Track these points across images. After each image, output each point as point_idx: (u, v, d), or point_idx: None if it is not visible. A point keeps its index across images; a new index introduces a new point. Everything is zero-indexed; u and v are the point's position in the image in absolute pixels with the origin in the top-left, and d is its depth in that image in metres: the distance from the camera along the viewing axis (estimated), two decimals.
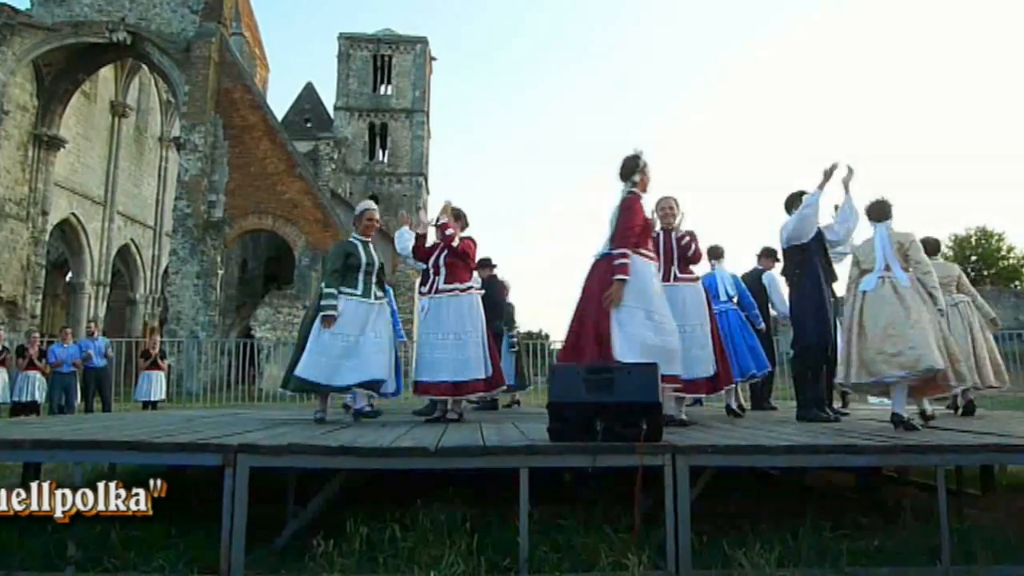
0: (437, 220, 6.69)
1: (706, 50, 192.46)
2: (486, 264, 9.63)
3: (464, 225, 6.86)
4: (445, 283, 6.46)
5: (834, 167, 6.22)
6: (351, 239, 6.44)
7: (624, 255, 5.15)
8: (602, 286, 5.15)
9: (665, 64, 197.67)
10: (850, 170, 6.32)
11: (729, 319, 7.76)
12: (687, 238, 6.13)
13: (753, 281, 8.46)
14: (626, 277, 5.07)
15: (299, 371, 5.96)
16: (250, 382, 19.50)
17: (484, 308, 6.71)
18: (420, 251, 6.81)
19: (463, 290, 6.46)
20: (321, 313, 5.99)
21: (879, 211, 5.99)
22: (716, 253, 8.20)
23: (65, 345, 14.01)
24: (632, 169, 5.48)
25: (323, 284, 6.24)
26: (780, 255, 6.88)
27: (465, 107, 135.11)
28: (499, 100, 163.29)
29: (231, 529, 3.94)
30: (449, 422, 6.23)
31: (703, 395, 6.48)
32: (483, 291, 6.84)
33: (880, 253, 5.74)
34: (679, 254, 6.09)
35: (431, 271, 6.59)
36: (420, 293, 6.72)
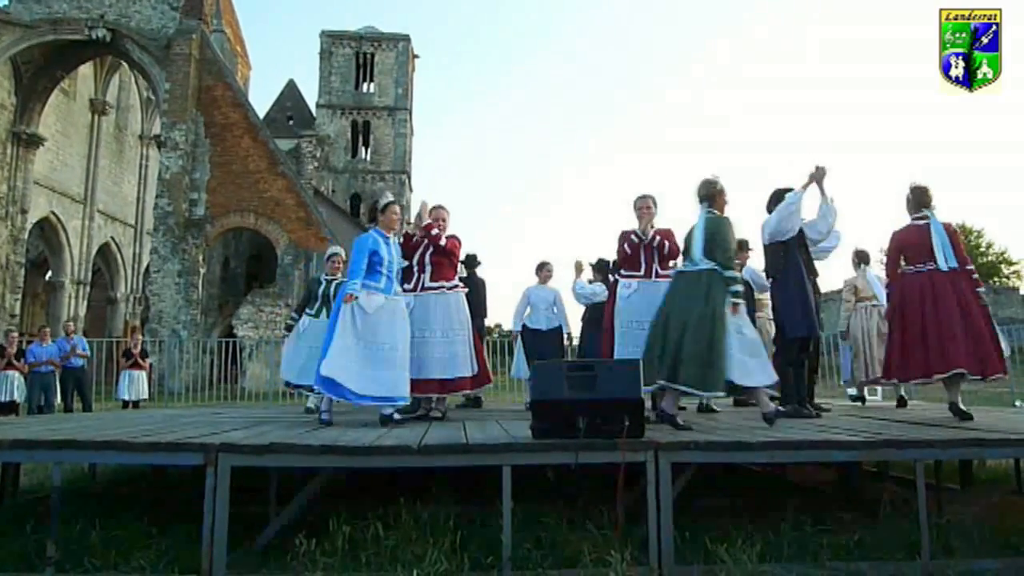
0: (417, 222, 6.64)
1: (690, 43, 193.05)
2: (472, 262, 9.63)
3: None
4: (431, 281, 6.44)
5: (822, 172, 6.29)
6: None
7: (975, 270, 5.88)
8: (973, 295, 5.71)
9: (648, 57, 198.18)
10: (823, 169, 6.37)
11: None
12: (661, 236, 6.17)
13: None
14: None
15: None
16: (233, 381, 19.41)
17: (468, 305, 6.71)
18: (403, 248, 6.79)
19: (450, 288, 6.46)
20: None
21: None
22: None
23: (44, 344, 13.91)
24: (930, 198, 6.07)
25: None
26: (762, 252, 6.92)
27: (448, 104, 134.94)
28: (483, 97, 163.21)
29: (212, 528, 3.93)
30: (433, 420, 6.22)
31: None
32: (467, 289, 6.83)
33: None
34: (658, 252, 6.13)
35: (415, 268, 6.56)
36: (403, 290, 6.68)
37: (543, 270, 9.49)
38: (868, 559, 4.10)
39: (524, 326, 9.26)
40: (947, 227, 5.91)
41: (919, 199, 6.06)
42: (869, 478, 6.41)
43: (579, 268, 8.99)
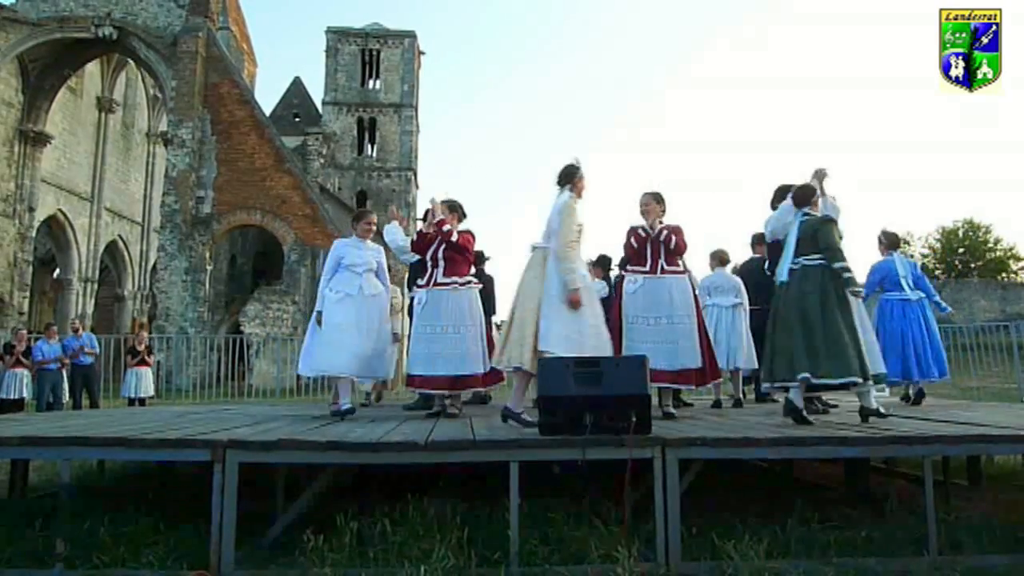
0: (430, 219, 6.62)
1: (694, 41, 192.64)
2: (480, 258, 9.58)
3: (461, 217, 6.80)
4: (444, 276, 6.40)
5: (823, 174, 6.30)
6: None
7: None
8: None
9: (657, 53, 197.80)
10: (823, 171, 6.40)
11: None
12: (668, 231, 6.16)
13: (754, 270, 8.36)
14: None
15: None
16: (240, 378, 19.46)
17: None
18: (418, 244, 6.77)
19: (462, 284, 6.43)
20: None
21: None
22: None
23: (50, 342, 13.96)
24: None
25: None
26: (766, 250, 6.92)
27: (454, 101, 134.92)
28: (489, 93, 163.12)
29: (221, 525, 3.94)
30: (446, 417, 6.23)
31: (693, 387, 6.47)
32: (480, 285, 6.80)
33: None
34: (665, 247, 6.12)
35: (429, 264, 6.53)
36: (416, 286, 6.67)
37: None
38: (875, 555, 4.10)
39: None
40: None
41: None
42: (877, 474, 6.40)
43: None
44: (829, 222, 5.55)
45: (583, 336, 5.17)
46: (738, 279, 8.29)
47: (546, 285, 5.19)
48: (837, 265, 5.32)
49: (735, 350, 7.96)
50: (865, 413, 5.24)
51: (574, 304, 5.09)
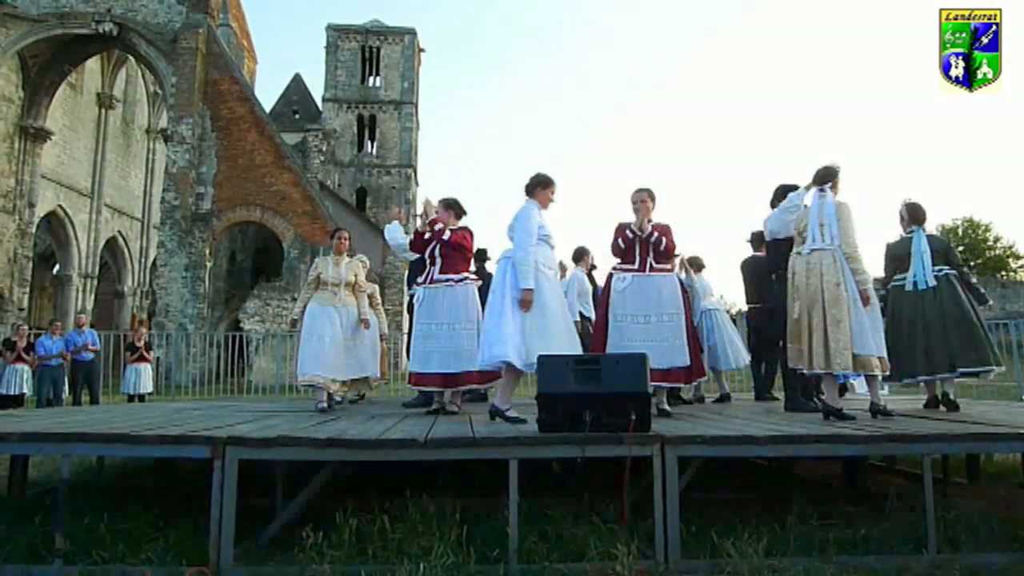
0: (424, 220, 6.63)
1: (696, 38, 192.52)
2: (482, 256, 9.56)
3: (459, 214, 6.80)
4: (440, 273, 6.43)
5: (835, 171, 6.33)
6: None
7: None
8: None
9: (659, 49, 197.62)
10: (834, 168, 6.42)
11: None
12: (659, 233, 6.14)
13: (758, 269, 8.29)
14: None
15: None
16: (239, 375, 19.43)
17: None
18: (415, 244, 6.78)
19: (458, 280, 6.43)
20: None
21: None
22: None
23: (54, 338, 13.98)
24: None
25: None
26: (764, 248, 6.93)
27: (454, 98, 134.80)
28: (488, 90, 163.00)
29: (220, 521, 3.95)
30: (445, 414, 6.23)
31: (682, 384, 6.46)
32: (480, 282, 6.78)
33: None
34: (654, 247, 6.10)
35: (427, 261, 6.55)
36: (416, 283, 6.70)
37: (588, 256, 8.97)
38: (874, 553, 4.10)
39: (581, 314, 8.43)
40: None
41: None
42: (876, 472, 6.41)
43: (563, 268, 8.90)
44: (950, 242, 6.68)
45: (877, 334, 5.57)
46: (711, 284, 9.07)
47: (850, 288, 5.39)
48: (974, 280, 6.51)
49: (739, 348, 8.28)
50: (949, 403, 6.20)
51: (867, 303, 5.41)
